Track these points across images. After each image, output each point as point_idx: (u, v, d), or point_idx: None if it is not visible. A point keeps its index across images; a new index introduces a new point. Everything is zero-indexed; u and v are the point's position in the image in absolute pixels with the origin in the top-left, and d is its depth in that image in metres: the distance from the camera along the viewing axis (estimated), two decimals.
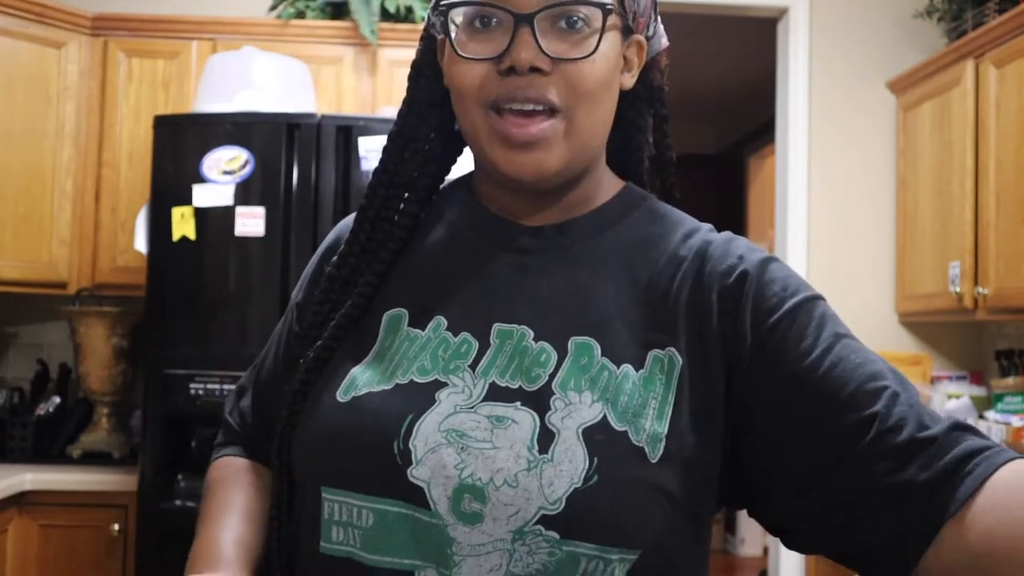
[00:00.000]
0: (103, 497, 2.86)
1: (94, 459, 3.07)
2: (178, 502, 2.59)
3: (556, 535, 0.76)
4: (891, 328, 3.68)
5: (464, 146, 0.95)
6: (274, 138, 2.68)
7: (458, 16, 0.84)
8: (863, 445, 0.75)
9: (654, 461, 0.78)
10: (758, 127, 6.10)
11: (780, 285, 0.83)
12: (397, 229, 0.92)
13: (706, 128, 6.97)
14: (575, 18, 0.82)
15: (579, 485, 0.76)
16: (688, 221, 0.92)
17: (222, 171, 2.65)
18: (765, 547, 5.65)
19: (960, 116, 3.17)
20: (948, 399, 3.38)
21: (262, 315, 2.61)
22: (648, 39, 0.92)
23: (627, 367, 0.81)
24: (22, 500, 2.81)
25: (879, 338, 3.67)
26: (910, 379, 2.98)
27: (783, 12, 3.77)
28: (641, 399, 0.80)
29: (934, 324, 3.64)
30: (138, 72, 3.20)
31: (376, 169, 0.93)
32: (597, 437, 0.78)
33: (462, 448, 0.78)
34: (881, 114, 3.73)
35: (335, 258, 0.93)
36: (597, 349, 0.82)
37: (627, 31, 0.88)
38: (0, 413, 3.12)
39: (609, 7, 0.82)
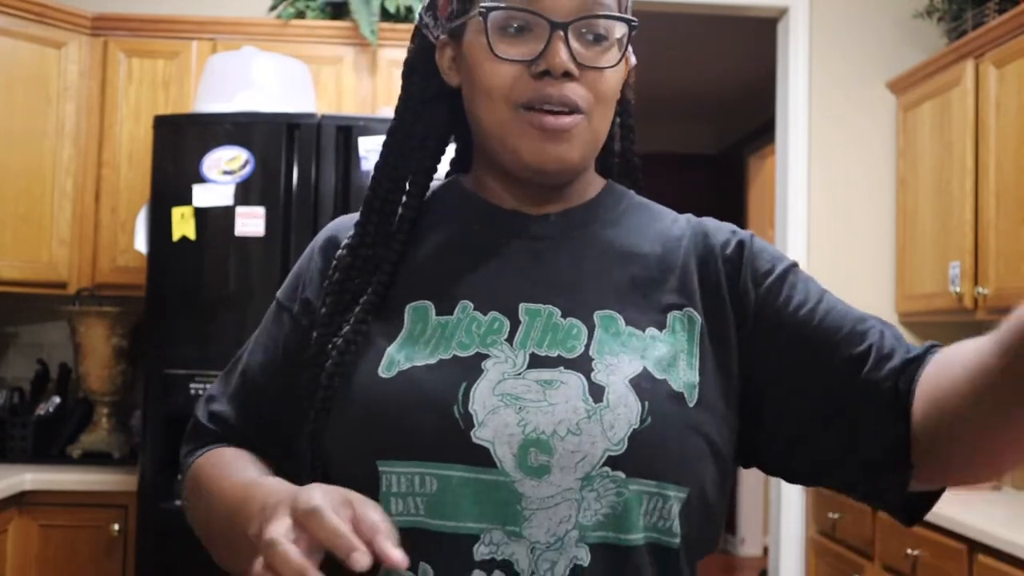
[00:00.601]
0: (103, 497, 2.86)
1: (94, 459, 3.07)
2: (178, 502, 2.58)
3: (622, 475, 0.82)
4: None
5: (449, 140, 1.01)
6: (274, 138, 2.68)
7: (489, 18, 0.88)
8: (865, 372, 0.86)
9: (692, 405, 0.86)
10: (758, 127, 6.10)
11: (769, 254, 0.95)
12: (402, 221, 0.96)
13: (706, 128, 6.96)
14: (602, 29, 0.89)
15: (637, 426, 0.83)
16: (668, 210, 1.01)
17: (222, 171, 2.65)
18: (765, 547, 5.66)
19: (960, 116, 3.17)
20: None
21: (262, 315, 2.60)
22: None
23: (652, 330, 0.89)
24: (22, 500, 2.81)
25: None
26: None
27: (783, 12, 3.77)
28: (671, 352, 0.88)
29: (934, 324, 3.64)
30: (138, 72, 3.20)
31: (378, 163, 0.98)
32: (644, 385, 0.85)
33: (520, 408, 0.83)
34: (881, 114, 3.73)
35: (343, 251, 0.95)
36: (620, 320, 0.89)
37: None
38: (0, 413, 3.12)
39: (635, 23, 0.91)
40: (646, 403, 0.83)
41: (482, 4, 0.88)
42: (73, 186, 3.15)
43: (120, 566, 2.85)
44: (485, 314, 0.89)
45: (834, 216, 3.71)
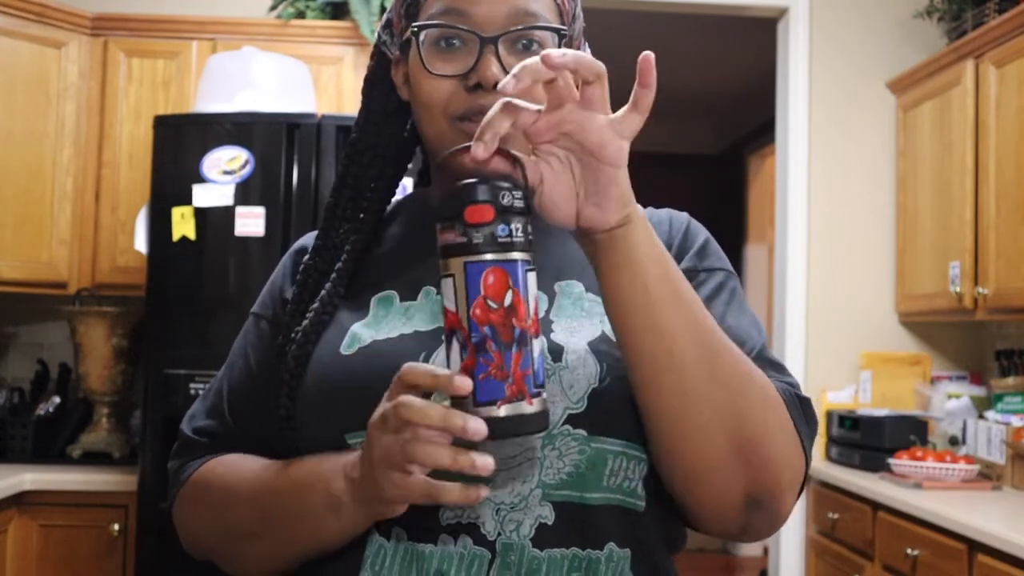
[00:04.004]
0: (103, 497, 2.86)
1: (94, 459, 3.07)
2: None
3: (584, 432, 0.85)
4: (891, 328, 3.68)
5: (413, 151, 1.04)
6: (274, 138, 2.68)
7: (423, 36, 0.92)
8: None
9: None
10: (758, 127, 6.10)
11: (704, 245, 0.97)
12: (364, 225, 0.99)
13: (706, 128, 6.96)
14: (532, 40, 0.91)
15: (596, 385, 0.85)
16: None
17: (222, 171, 2.65)
18: (765, 547, 5.65)
19: (960, 116, 3.17)
20: (948, 399, 3.38)
21: None
22: None
23: None
24: (22, 500, 2.81)
25: (879, 338, 3.67)
26: (910, 379, 3.00)
27: (783, 12, 3.77)
28: None
29: (934, 324, 3.64)
30: (138, 72, 3.20)
31: (340, 173, 1.02)
32: (602, 347, 0.87)
33: None
34: (881, 114, 3.73)
35: (307, 256, 1.00)
36: (580, 286, 0.92)
37: None
38: (0, 413, 3.12)
39: (564, 31, 0.92)
40: (605, 364, 0.85)
41: (415, 23, 0.92)
42: (73, 186, 3.15)
43: (120, 566, 2.85)
44: None
45: (834, 216, 3.71)
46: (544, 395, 0.75)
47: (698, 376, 0.79)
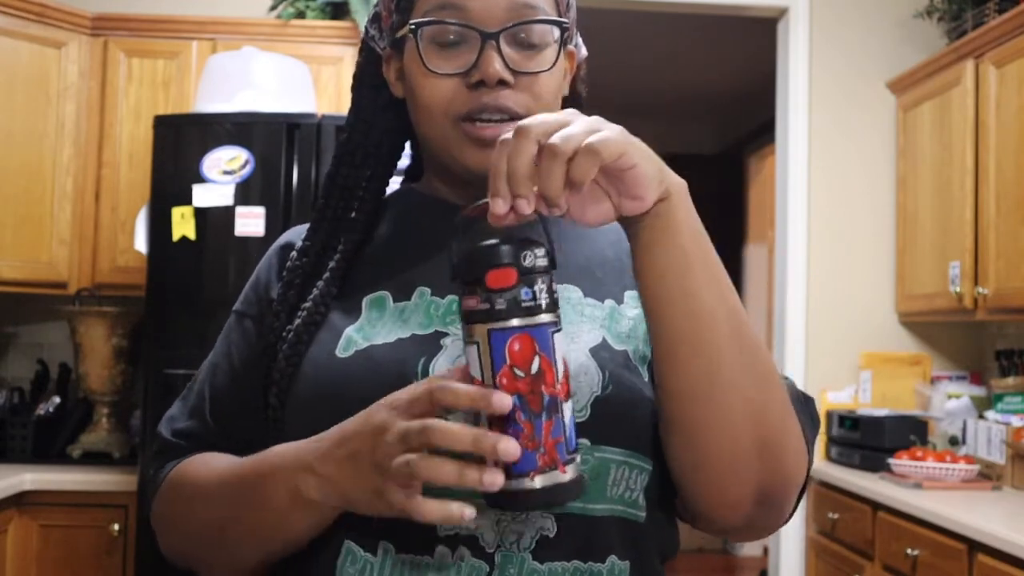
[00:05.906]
0: (103, 497, 2.86)
1: (94, 459, 3.07)
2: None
3: (587, 442, 0.82)
4: (891, 328, 3.68)
5: (403, 148, 1.02)
6: (274, 138, 2.68)
7: (420, 33, 0.89)
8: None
9: (646, 379, 0.86)
10: (758, 127, 6.10)
11: None
12: (358, 224, 0.96)
13: (706, 128, 6.96)
14: (535, 32, 0.89)
15: (599, 393, 0.83)
16: None
17: (222, 171, 2.65)
18: (765, 547, 5.65)
19: (960, 116, 3.17)
20: (948, 399, 3.38)
21: None
22: (575, 47, 1.00)
23: (610, 302, 0.90)
24: (22, 500, 2.81)
25: (879, 338, 3.67)
26: (910, 379, 3.01)
27: (783, 12, 3.77)
28: (631, 323, 0.89)
29: (934, 324, 3.64)
30: (138, 72, 3.20)
31: (330, 172, 0.99)
32: (603, 354, 0.85)
33: None
34: (881, 114, 3.73)
35: (294, 253, 0.97)
36: (579, 292, 0.90)
37: (564, 43, 0.95)
38: (0, 413, 3.12)
39: (566, 24, 0.90)
40: (607, 372, 0.84)
41: (412, 20, 0.89)
42: (73, 186, 3.15)
43: (120, 566, 2.85)
44: (443, 298, 0.89)
45: (834, 216, 3.71)
46: (578, 459, 0.72)
47: (728, 359, 0.77)
